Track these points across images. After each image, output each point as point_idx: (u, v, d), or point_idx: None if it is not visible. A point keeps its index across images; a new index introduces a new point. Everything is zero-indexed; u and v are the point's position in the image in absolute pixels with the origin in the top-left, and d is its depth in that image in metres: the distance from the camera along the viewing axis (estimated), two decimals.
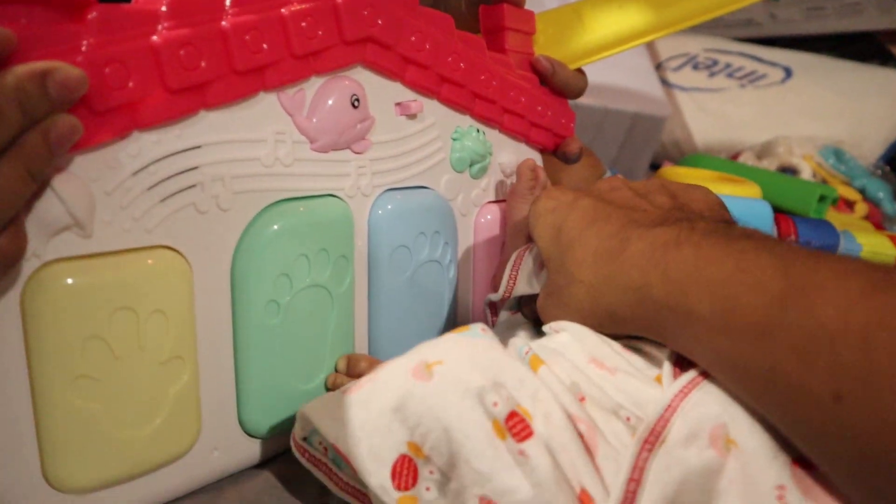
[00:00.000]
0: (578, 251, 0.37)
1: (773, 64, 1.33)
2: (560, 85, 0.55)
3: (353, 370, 0.44)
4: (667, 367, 0.33)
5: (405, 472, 0.32)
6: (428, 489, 0.32)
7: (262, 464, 0.44)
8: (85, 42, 0.30)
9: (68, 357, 0.32)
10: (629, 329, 0.35)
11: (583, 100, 1.03)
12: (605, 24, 0.57)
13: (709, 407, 0.30)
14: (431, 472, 0.32)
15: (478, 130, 0.50)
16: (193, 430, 0.39)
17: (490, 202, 0.54)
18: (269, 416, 0.42)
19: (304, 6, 0.37)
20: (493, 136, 0.52)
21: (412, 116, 0.46)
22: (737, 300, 0.29)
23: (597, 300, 0.36)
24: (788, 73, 1.30)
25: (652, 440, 0.30)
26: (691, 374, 0.32)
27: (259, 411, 0.42)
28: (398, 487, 0.32)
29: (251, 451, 0.43)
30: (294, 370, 0.43)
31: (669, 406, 0.30)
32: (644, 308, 0.33)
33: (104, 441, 0.35)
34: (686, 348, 0.32)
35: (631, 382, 0.33)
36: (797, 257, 0.28)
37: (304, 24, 0.37)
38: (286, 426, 0.43)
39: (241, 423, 0.41)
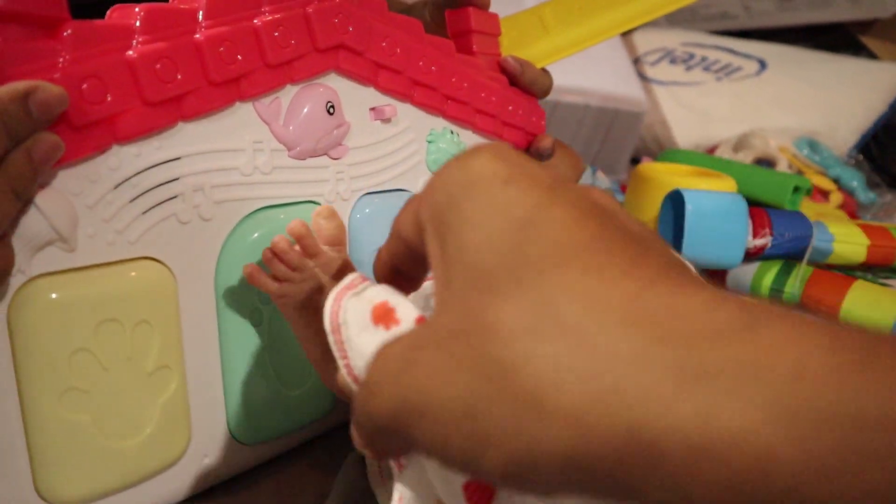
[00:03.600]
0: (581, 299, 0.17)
1: (747, 56, 1.34)
2: (528, 84, 0.57)
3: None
4: None
5: None
6: None
7: (254, 470, 0.44)
8: (61, 58, 0.30)
9: (56, 370, 0.33)
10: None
11: (562, 97, 1.05)
12: (567, 24, 0.59)
13: None
14: None
15: (451, 132, 0.51)
16: (183, 438, 0.39)
17: None
18: (257, 422, 0.43)
19: (276, 16, 0.38)
20: (467, 136, 0.53)
21: (386, 121, 0.46)
22: None
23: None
24: (763, 65, 1.32)
25: None
26: None
27: (247, 417, 0.42)
28: None
29: (241, 457, 0.43)
30: (280, 376, 0.43)
31: None
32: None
33: (95, 452, 0.35)
34: None
35: None
36: None
37: (276, 33, 0.38)
38: (275, 431, 0.44)
39: (230, 429, 0.42)
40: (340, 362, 0.26)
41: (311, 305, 0.36)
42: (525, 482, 0.17)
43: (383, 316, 0.25)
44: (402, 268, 0.27)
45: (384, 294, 0.26)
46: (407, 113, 0.48)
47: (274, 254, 0.35)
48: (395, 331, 0.25)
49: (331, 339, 0.26)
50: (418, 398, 0.19)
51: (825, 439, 0.13)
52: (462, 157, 0.22)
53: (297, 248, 0.36)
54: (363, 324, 0.25)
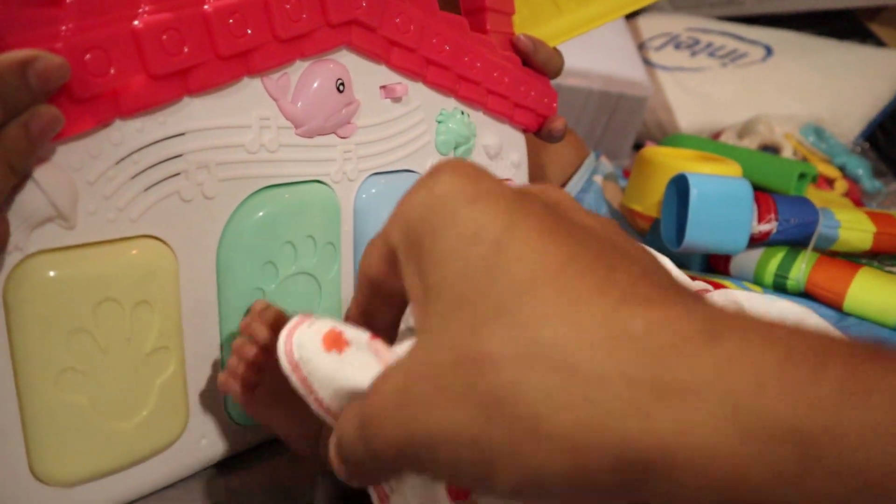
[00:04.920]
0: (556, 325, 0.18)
1: (753, 42, 1.33)
2: (541, 63, 0.55)
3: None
4: None
5: None
6: None
7: (250, 451, 0.44)
8: (64, 27, 0.29)
9: (53, 350, 0.32)
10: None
11: (565, 81, 1.04)
12: (579, 2, 0.58)
13: None
14: None
15: (462, 112, 0.50)
16: (181, 420, 0.39)
17: None
18: None
19: None
20: (478, 117, 0.52)
21: (397, 99, 0.45)
22: None
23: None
24: (769, 51, 1.30)
25: None
26: None
27: None
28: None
29: (238, 438, 0.43)
30: None
31: None
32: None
33: (91, 434, 0.34)
34: None
35: None
36: None
37: (288, 6, 0.36)
38: None
39: (227, 411, 0.41)
40: (309, 398, 0.26)
41: (285, 391, 0.32)
42: (540, 496, 0.18)
43: (334, 341, 0.26)
44: (374, 315, 0.27)
45: (329, 323, 0.26)
46: (418, 92, 0.47)
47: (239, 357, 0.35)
48: (348, 353, 0.25)
49: (292, 379, 0.26)
50: (423, 432, 0.19)
51: (784, 452, 0.15)
52: (424, 180, 0.22)
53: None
54: (318, 355, 0.25)
